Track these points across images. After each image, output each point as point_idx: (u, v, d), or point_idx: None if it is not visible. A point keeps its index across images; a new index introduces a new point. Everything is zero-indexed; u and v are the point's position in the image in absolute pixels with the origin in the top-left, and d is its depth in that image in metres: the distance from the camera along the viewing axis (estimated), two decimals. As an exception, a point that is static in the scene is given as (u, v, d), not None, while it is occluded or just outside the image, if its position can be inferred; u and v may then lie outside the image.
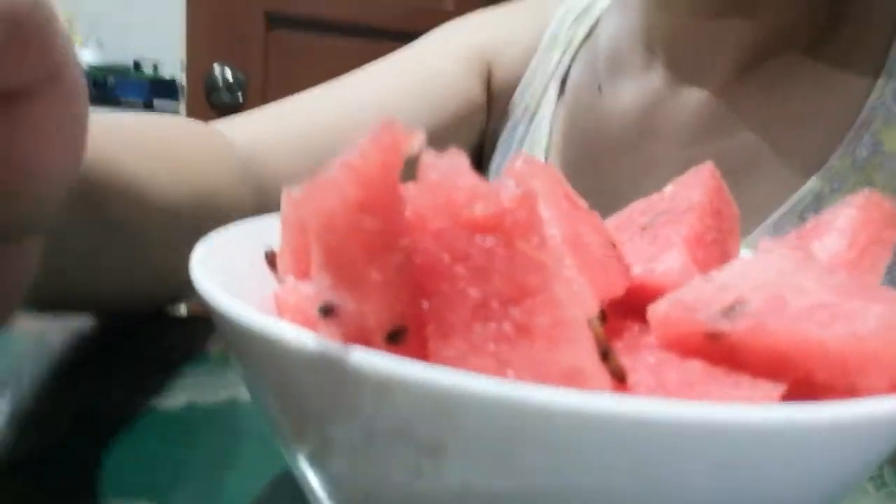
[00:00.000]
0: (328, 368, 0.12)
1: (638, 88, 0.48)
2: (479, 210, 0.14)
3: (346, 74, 0.50)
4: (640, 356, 0.17)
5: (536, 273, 0.14)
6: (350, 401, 0.12)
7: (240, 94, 1.37)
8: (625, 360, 0.16)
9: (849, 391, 0.13)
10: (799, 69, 0.44)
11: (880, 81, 0.42)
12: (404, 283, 0.13)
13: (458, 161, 0.14)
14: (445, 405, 0.11)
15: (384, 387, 0.11)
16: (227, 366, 0.31)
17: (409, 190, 0.14)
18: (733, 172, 0.44)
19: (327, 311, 0.13)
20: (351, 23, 1.45)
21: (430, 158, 0.14)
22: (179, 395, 0.28)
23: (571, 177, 0.51)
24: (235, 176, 0.38)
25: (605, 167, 0.48)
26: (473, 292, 0.14)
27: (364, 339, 0.13)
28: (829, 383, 0.13)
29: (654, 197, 0.24)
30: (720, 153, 0.44)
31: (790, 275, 0.16)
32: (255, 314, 0.13)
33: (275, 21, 1.39)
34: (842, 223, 0.20)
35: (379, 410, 0.12)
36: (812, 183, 0.42)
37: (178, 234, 0.29)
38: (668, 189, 0.24)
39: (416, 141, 0.14)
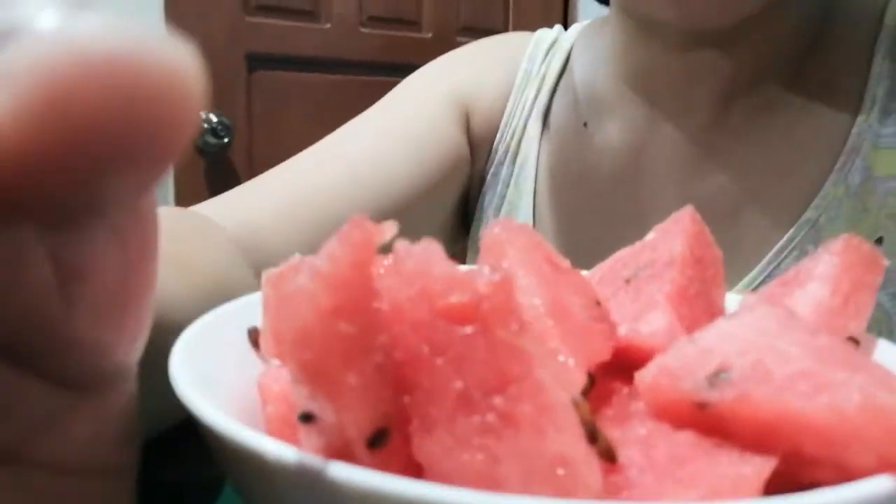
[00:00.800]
0: (309, 484, 0.12)
1: (623, 124, 0.48)
2: (456, 298, 0.14)
3: (331, 136, 0.49)
4: (631, 426, 0.17)
5: (517, 360, 0.14)
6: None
7: (226, 137, 1.37)
8: (614, 431, 0.16)
9: (837, 466, 0.13)
10: (782, 98, 0.44)
11: (865, 105, 0.42)
12: (384, 382, 0.13)
13: (431, 248, 0.14)
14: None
15: (365, 502, 0.11)
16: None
17: (384, 280, 0.14)
18: (732, 206, 0.44)
19: (307, 419, 0.12)
20: (330, 58, 1.46)
21: (403, 248, 0.14)
22: (185, 466, 0.28)
23: (567, 220, 0.51)
24: (239, 263, 0.36)
25: (600, 207, 0.48)
26: (455, 384, 0.13)
27: (345, 446, 0.12)
28: (816, 457, 0.13)
29: (637, 246, 0.24)
30: (717, 188, 0.44)
31: (773, 337, 0.16)
32: (237, 427, 0.13)
33: (255, 62, 1.40)
34: (823, 270, 0.20)
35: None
36: (809, 213, 0.42)
37: None
38: (650, 237, 0.24)
39: (388, 232, 0.14)
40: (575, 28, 0.57)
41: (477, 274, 0.14)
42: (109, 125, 0.09)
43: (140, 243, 0.12)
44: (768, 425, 0.14)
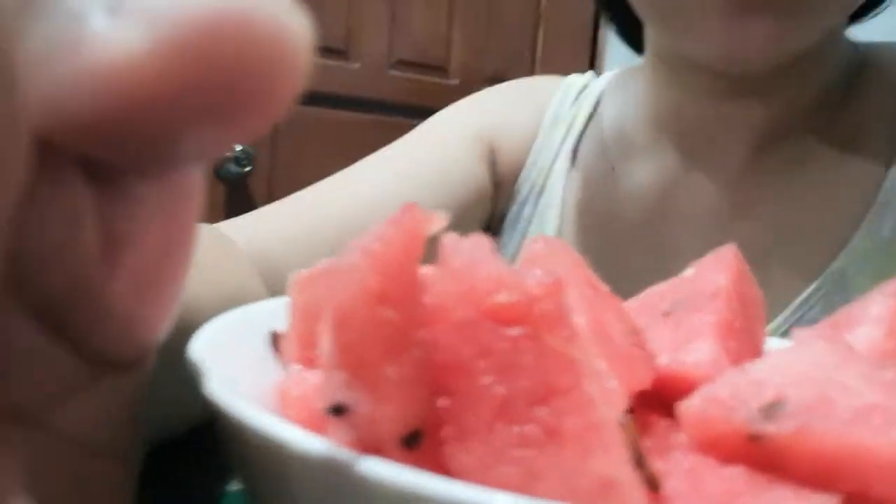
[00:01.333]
0: (337, 477, 0.11)
1: (651, 169, 0.48)
2: (504, 299, 0.13)
3: (355, 165, 0.49)
4: (673, 458, 0.15)
5: (566, 370, 0.13)
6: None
7: (248, 166, 1.38)
8: (657, 463, 0.15)
9: (914, 508, 0.12)
10: (813, 151, 0.44)
11: None
12: (422, 381, 0.12)
13: (481, 246, 0.14)
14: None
15: (401, 501, 0.10)
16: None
17: (430, 276, 0.13)
18: (755, 255, 0.43)
19: (339, 411, 0.11)
20: (359, 97, 1.48)
21: (452, 243, 0.14)
22: (176, 487, 0.27)
23: (592, 262, 0.50)
24: (255, 276, 0.36)
25: (625, 251, 0.47)
26: (497, 390, 0.12)
27: (375, 442, 0.11)
28: (886, 498, 0.12)
29: (675, 280, 0.23)
30: (744, 236, 0.44)
31: (832, 370, 0.15)
32: (255, 411, 0.12)
33: (283, 95, 1.42)
34: (877, 311, 0.19)
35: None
36: (836, 263, 0.42)
37: None
38: (689, 272, 0.23)
39: (438, 223, 0.14)
40: (606, 76, 0.57)
41: (528, 275, 0.13)
42: (227, 76, 0.09)
43: (182, 220, 0.12)
44: (832, 461, 0.13)
